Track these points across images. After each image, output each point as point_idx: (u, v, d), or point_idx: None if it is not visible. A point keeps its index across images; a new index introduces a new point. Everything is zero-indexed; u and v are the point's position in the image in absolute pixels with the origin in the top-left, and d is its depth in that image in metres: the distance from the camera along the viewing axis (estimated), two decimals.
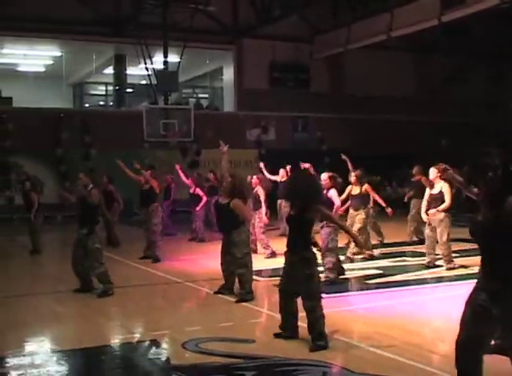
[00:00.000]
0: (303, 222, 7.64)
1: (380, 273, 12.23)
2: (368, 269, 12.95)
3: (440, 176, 12.22)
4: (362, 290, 11.27)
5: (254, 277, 10.71)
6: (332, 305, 9.70)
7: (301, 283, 7.52)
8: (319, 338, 7.42)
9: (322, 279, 10.97)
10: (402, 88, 32.86)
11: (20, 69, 31.85)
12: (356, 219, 13.92)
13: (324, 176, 11.51)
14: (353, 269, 12.77)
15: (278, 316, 8.93)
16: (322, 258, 11.19)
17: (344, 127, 31.33)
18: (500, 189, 4.99)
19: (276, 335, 7.81)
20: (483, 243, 5.11)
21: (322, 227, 11.18)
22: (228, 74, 32.51)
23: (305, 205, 7.61)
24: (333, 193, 11.34)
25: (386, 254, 14.86)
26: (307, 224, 7.67)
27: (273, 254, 14.20)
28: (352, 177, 14.21)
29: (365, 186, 14.24)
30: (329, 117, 31.34)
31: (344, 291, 10.89)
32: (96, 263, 10.73)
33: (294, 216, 7.73)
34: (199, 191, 18.03)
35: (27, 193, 16.15)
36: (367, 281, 11.76)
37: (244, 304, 9.69)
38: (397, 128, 31.29)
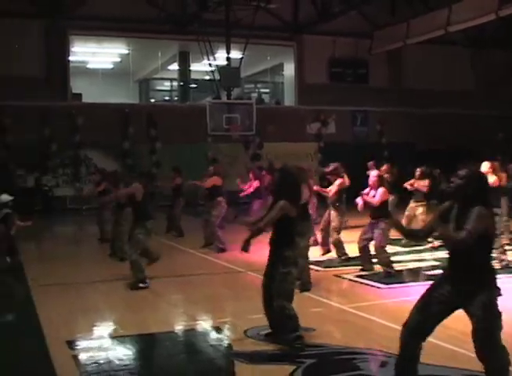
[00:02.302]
0: (281, 218, 7.21)
1: (437, 265, 12.05)
2: (425, 260, 12.80)
3: (492, 171, 11.95)
4: (419, 281, 11.12)
5: (313, 267, 10.68)
6: (390, 296, 9.65)
7: (275, 282, 7.16)
8: (291, 340, 7.03)
9: (382, 275, 10.91)
10: (460, 82, 32.31)
11: (90, 66, 32.30)
12: (417, 214, 14.23)
13: (373, 174, 11.50)
14: (410, 261, 12.64)
15: (337, 305, 8.91)
16: (377, 255, 11.10)
17: (402, 121, 30.98)
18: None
19: (267, 335, 7.41)
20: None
21: (375, 224, 11.09)
22: (289, 69, 32.43)
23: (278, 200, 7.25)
24: (380, 192, 11.17)
25: (443, 246, 14.62)
26: (285, 221, 7.21)
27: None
28: (417, 172, 14.49)
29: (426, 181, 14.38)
30: (387, 110, 31.02)
31: (402, 282, 10.77)
32: (132, 250, 10.60)
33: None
34: (257, 184, 17.88)
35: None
36: (424, 272, 11.60)
37: (306, 293, 9.64)
38: (455, 121, 30.79)
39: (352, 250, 12.95)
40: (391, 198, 12.53)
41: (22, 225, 13.42)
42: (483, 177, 5.44)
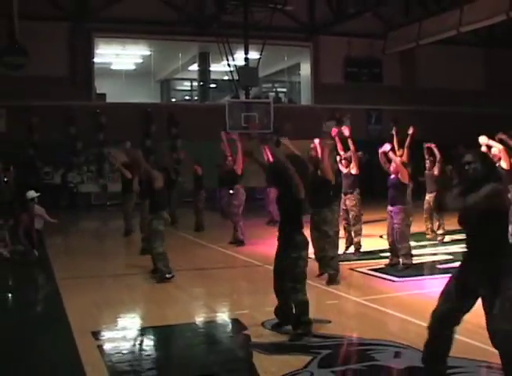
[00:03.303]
0: (288, 202, 7.20)
1: (450, 259, 11.99)
2: (438, 254, 12.73)
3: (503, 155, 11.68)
4: (432, 274, 11.06)
5: None
6: (404, 289, 9.62)
7: (287, 266, 7.10)
8: (297, 325, 7.04)
9: (401, 266, 10.81)
10: (472, 81, 32.14)
11: (113, 67, 32.43)
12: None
13: (395, 160, 11.01)
14: (424, 255, 12.58)
15: (352, 298, 8.89)
16: (397, 244, 10.96)
17: (415, 119, 30.72)
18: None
19: (273, 326, 7.38)
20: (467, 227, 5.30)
21: (394, 213, 10.89)
22: (305, 69, 32.37)
23: (279, 183, 7.27)
24: (403, 171, 10.88)
25: (456, 240, 14.55)
26: (293, 204, 7.16)
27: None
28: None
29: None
30: (401, 109, 30.85)
31: (415, 276, 10.69)
32: (155, 244, 10.47)
33: (279, 197, 7.41)
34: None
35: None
36: (438, 266, 11.55)
37: (322, 286, 9.61)
38: (467, 120, 30.57)
39: (365, 244, 12.96)
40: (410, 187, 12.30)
41: (49, 220, 13.52)
42: (488, 154, 5.40)
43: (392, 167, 10.98)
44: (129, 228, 16.23)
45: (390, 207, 10.96)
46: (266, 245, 14.32)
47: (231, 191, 14.65)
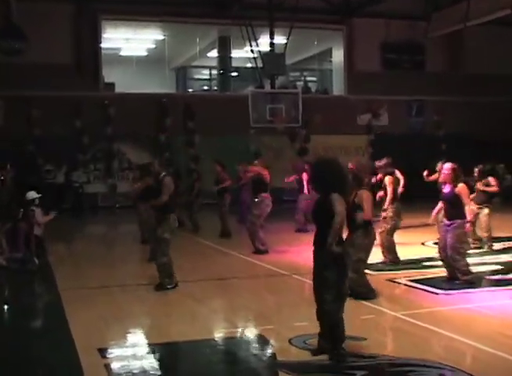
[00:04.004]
0: (327, 212, 6.91)
1: (500, 269, 11.90)
2: (488, 264, 12.62)
3: None
4: (481, 287, 10.96)
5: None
6: (449, 302, 9.57)
7: (324, 285, 6.84)
8: (328, 342, 6.94)
9: (459, 282, 10.65)
10: None
11: (123, 53, 32.64)
12: (481, 216, 13.88)
13: (447, 167, 10.76)
14: (471, 265, 12.47)
15: (390, 312, 8.86)
16: (452, 262, 10.72)
17: (463, 110, 30.65)
18: None
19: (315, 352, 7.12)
20: None
21: (450, 226, 10.58)
22: (338, 55, 32.35)
23: (326, 192, 6.97)
24: (462, 190, 10.51)
25: (508, 248, 14.46)
26: (330, 216, 6.85)
27: None
28: (475, 171, 14.12)
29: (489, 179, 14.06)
30: (446, 99, 30.71)
31: (461, 288, 10.57)
32: (159, 253, 10.69)
33: (318, 206, 7.16)
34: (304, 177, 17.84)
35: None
36: (486, 277, 11.44)
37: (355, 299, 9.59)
38: None
39: (405, 252, 12.90)
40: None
41: (47, 220, 13.57)
42: None
43: (443, 176, 10.83)
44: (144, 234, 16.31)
45: (446, 222, 10.71)
46: (294, 253, 14.34)
47: (256, 199, 14.57)
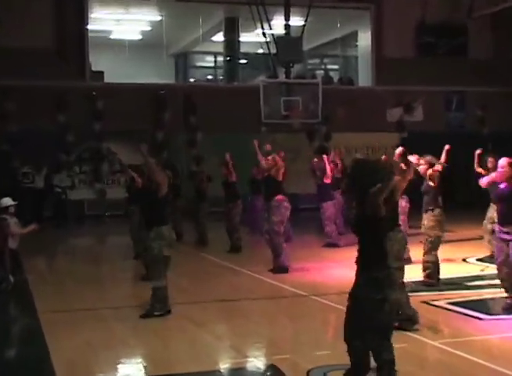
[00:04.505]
0: (369, 222, 6.64)
1: None
2: None
3: None
4: None
5: None
6: (496, 330, 9.55)
7: (367, 314, 6.53)
8: None
9: (505, 304, 10.51)
10: None
11: (113, 37, 32.72)
12: None
13: (502, 164, 10.37)
14: None
15: (426, 340, 8.83)
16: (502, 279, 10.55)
17: (511, 104, 30.60)
18: None
19: None
20: None
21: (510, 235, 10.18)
22: (365, 39, 32.35)
23: (363, 195, 6.64)
24: None
25: None
26: (376, 226, 6.63)
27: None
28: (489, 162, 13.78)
29: None
30: (492, 91, 30.64)
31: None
32: (154, 274, 10.65)
33: (358, 216, 6.80)
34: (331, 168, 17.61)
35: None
36: None
37: None
38: None
39: (444, 271, 12.83)
40: None
41: (25, 232, 13.57)
42: None
43: (499, 172, 10.50)
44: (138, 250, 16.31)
45: (501, 228, 10.35)
46: (313, 271, 14.30)
47: (271, 203, 14.38)
